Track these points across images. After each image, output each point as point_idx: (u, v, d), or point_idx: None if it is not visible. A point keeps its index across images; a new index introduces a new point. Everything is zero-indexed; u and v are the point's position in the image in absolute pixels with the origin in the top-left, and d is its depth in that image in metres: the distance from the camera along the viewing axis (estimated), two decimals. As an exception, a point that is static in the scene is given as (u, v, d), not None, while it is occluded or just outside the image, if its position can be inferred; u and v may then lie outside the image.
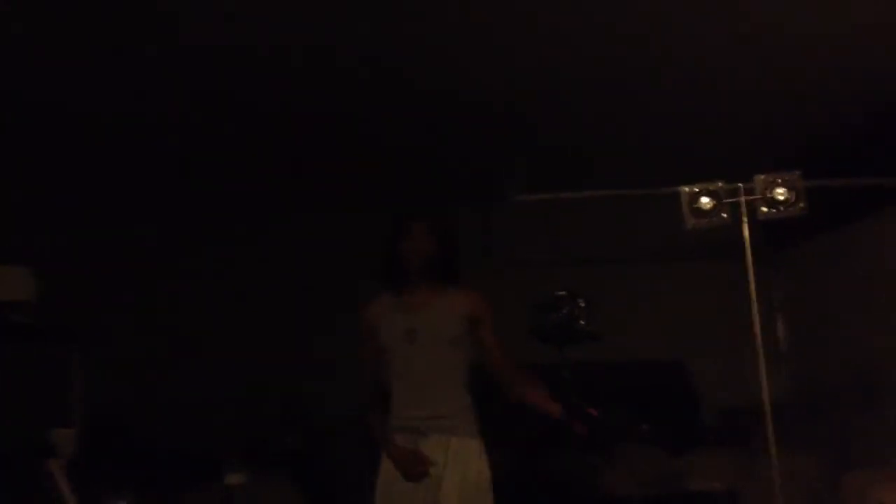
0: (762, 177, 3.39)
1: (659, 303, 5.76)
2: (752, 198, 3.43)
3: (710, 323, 5.52)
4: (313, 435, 5.82)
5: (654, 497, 4.85)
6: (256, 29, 3.59)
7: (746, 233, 3.46)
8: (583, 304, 3.16)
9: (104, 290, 5.82)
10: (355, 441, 5.69)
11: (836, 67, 4.13)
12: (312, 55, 3.88)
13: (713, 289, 5.48)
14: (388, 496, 2.69)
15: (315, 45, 3.79)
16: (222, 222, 6.08)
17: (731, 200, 3.46)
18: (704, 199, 3.49)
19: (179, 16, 3.46)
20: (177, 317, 6.07)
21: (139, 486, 4.38)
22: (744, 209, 3.41)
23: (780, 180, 3.36)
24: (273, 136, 4.93)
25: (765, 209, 3.41)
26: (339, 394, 5.83)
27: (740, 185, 3.45)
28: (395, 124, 4.78)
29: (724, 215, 3.48)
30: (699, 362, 5.58)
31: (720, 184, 3.49)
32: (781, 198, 3.36)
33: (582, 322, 3.05)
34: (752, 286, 3.49)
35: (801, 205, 3.36)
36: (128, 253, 6.01)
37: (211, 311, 6.16)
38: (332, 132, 4.88)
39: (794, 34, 3.68)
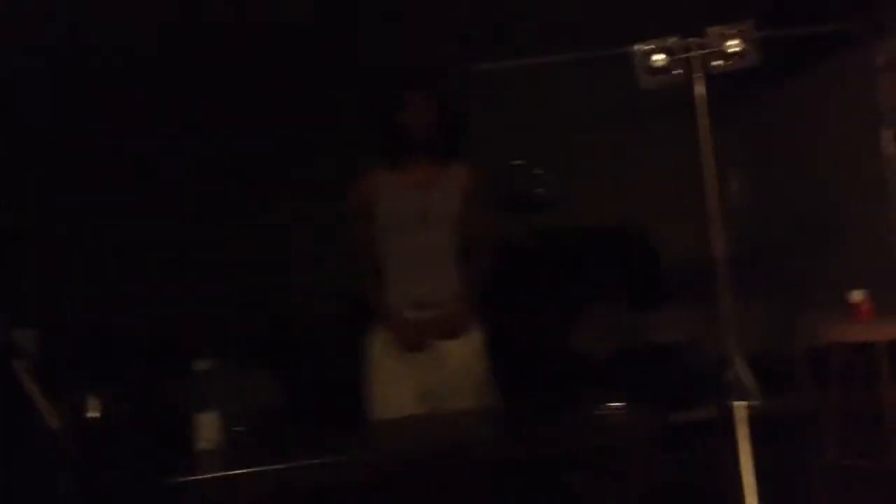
0: (715, 28, 3.29)
1: (618, 166, 5.77)
2: (705, 51, 3.34)
3: (667, 182, 5.56)
4: (286, 318, 5.86)
5: (619, 351, 5.03)
6: None
7: (700, 87, 3.39)
8: (539, 172, 3.13)
9: (67, 188, 5.67)
10: (331, 322, 5.79)
11: None
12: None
13: (670, 148, 5.48)
14: (382, 371, 2.64)
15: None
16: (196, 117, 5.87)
17: (684, 56, 3.37)
18: (657, 56, 3.39)
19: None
20: (146, 209, 5.96)
21: (110, 380, 4.41)
22: (696, 64, 3.33)
23: (733, 32, 3.26)
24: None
25: (718, 63, 3.33)
26: (311, 276, 5.90)
27: (692, 38, 3.36)
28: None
29: (679, 71, 3.40)
30: (658, 222, 5.64)
31: (672, 39, 3.38)
32: (735, 50, 3.28)
33: (539, 190, 3.02)
34: (705, 142, 3.47)
35: (754, 56, 3.29)
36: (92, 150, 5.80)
37: (175, 200, 6.04)
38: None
39: None
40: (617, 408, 2.23)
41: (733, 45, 3.31)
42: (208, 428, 2.27)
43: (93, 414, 3.72)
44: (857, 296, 3.80)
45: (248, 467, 2.06)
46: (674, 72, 3.45)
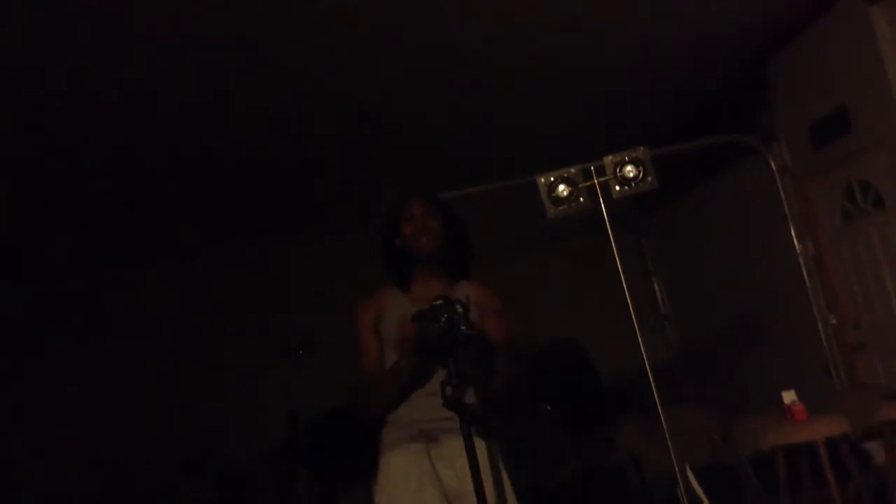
0: (610, 158, 3.46)
1: (542, 287, 5.85)
2: (604, 179, 3.49)
3: (594, 296, 5.63)
4: (222, 482, 5.66)
5: (564, 479, 4.92)
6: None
7: (605, 214, 3.52)
8: (461, 309, 3.12)
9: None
10: (266, 482, 5.60)
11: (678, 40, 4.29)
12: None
13: (591, 263, 5.59)
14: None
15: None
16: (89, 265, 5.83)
17: (585, 185, 3.51)
18: (561, 187, 3.53)
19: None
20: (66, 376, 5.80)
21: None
22: (599, 192, 3.47)
23: (627, 158, 3.43)
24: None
25: (618, 188, 3.48)
26: (244, 438, 5.74)
27: (591, 167, 3.51)
28: (264, 152, 4.72)
29: (582, 199, 3.53)
30: (590, 336, 5.69)
31: (573, 169, 3.53)
32: (631, 175, 3.44)
33: (463, 327, 3.01)
34: (619, 262, 3.57)
35: (650, 178, 3.45)
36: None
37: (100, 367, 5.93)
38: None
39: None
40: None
41: (629, 171, 3.48)
42: None
43: None
44: (787, 397, 3.81)
45: None
46: (578, 200, 3.59)
